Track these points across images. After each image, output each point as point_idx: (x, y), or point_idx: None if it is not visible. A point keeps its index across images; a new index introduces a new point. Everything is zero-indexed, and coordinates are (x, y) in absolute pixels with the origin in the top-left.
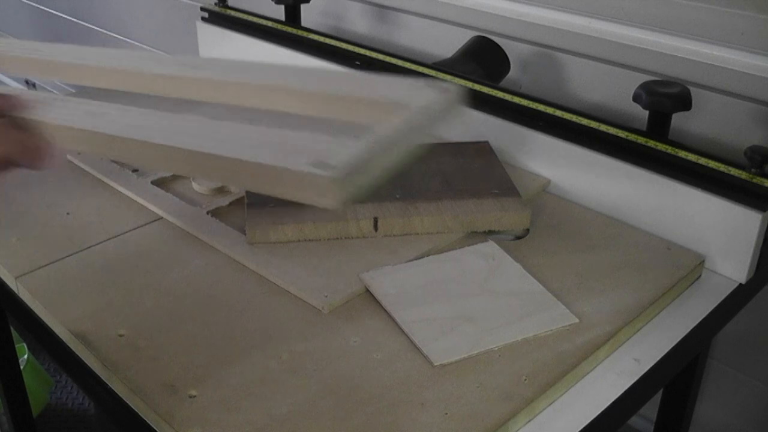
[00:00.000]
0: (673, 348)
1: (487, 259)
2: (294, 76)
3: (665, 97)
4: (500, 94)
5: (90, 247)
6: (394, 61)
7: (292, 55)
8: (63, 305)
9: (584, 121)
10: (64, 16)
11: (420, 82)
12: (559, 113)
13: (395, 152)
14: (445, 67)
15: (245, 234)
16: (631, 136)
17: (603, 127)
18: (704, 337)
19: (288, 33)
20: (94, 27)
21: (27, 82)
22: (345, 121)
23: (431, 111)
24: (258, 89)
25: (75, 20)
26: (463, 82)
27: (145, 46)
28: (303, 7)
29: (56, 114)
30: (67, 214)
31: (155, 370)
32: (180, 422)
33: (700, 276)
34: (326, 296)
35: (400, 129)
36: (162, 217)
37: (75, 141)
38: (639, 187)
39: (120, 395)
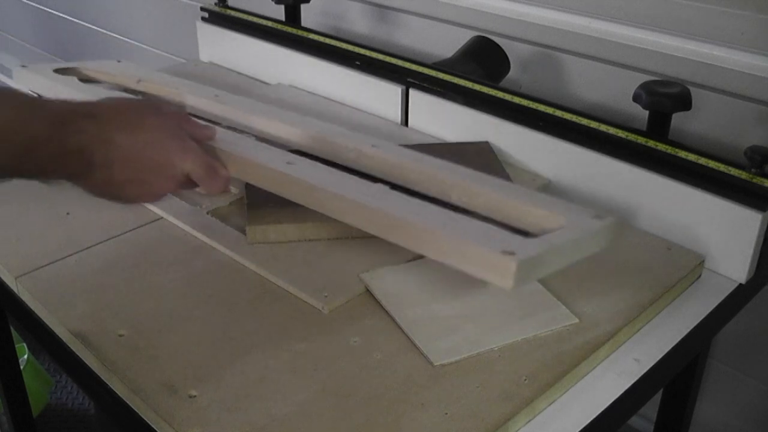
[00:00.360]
0: (673, 348)
1: None
2: (475, 178)
3: (665, 97)
4: (500, 94)
5: (90, 247)
6: (394, 61)
7: (292, 55)
8: (63, 305)
9: (584, 121)
10: (64, 16)
11: (590, 213)
12: (559, 113)
13: (561, 260)
14: (445, 67)
15: (245, 234)
16: (631, 136)
17: (603, 127)
18: (704, 337)
19: (288, 33)
20: (94, 27)
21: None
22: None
23: (594, 236)
24: (441, 182)
25: (75, 20)
26: (463, 82)
27: (145, 46)
28: (303, 7)
29: (247, 151)
30: (67, 214)
31: (155, 370)
32: (180, 422)
33: (700, 276)
34: (326, 296)
35: (570, 243)
36: (162, 217)
37: (262, 179)
38: (639, 187)
39: (120, 395)
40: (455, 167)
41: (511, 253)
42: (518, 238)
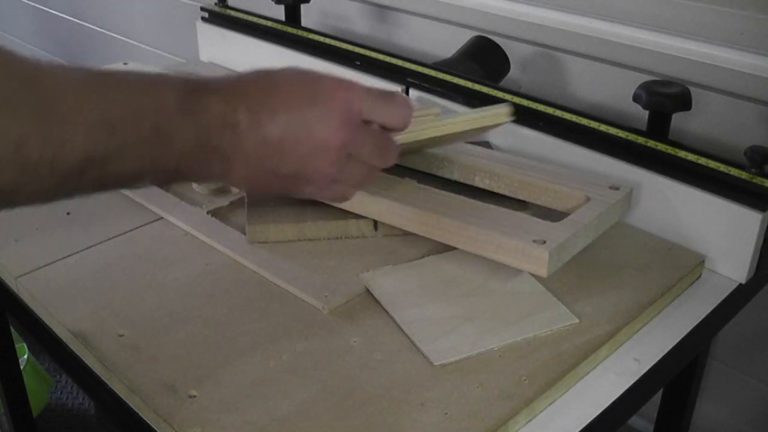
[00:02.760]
0: (673, 348)
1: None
2: (504, 162)
3: (665, 97)
4: (500, 94)
5: (90, 247)
6: (394, 61)
7: (292, 55)
8: (63, 305)
9: (584, 121)
10: (64, 16)
11: (607, 184)
12: (559, 113)
13: (587, 238)
14: (445, 67)
15: (245, 234)
16: (631, 136)
17: (603, 127)
18: (704, 337)
19: (288, 33)
20: (94, 27)
21: None
22: (544, 207)
23: (614, 208)
24: (463, 166)
25: (75, 20)
26: (463, 82)
27: (144, 46)
28: (303, 7)
29: None
30: (67, 214)
31: (155, 370)
32: (180, 422)
33: (700, 276)
34: (326, 296)
35: (594, 221)
36: (162, 217)
37: None
38: (639, 187)
39: (120, 395)
40: (474, 149)
41: (542, 242)
42: (546, 224)
